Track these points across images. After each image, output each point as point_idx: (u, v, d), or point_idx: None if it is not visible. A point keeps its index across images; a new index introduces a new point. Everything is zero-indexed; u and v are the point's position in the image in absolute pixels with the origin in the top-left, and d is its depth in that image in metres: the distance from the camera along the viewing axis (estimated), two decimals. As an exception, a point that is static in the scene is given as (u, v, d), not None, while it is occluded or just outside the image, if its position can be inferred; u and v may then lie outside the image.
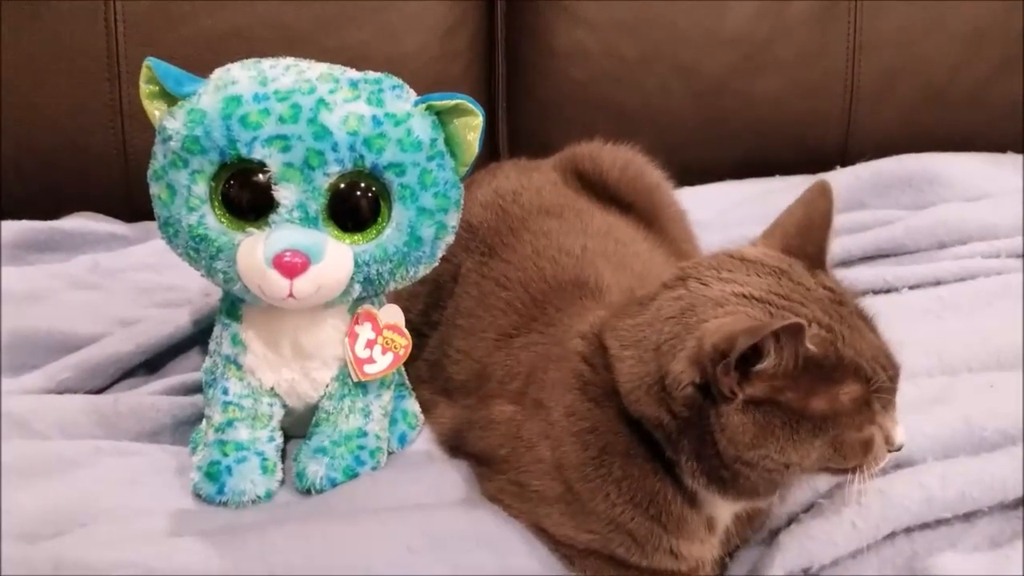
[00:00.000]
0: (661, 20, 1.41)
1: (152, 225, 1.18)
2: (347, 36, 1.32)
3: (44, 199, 1.26)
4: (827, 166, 1.38)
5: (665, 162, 1.08)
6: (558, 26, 1.40)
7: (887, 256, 1.18)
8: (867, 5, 1.43)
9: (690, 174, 1.24)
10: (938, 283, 1.11)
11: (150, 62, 0.76)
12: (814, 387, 0.66)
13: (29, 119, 1.26)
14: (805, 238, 0.75)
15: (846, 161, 1.39)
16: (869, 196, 1.29)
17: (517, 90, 1.45)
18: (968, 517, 0.77)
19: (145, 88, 0.77)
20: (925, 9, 1.44)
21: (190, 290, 1.06)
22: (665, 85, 1.41)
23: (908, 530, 0.76)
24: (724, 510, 0.75)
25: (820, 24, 1.43)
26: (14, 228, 1.16)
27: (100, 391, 0.94)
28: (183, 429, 0.89)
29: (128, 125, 1.27)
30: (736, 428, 0.66)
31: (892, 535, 0.76)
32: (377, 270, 0.77)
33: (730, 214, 1.26)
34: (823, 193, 0.77)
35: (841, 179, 1.31)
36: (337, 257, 0.74)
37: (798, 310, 0.68)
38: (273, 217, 0.74)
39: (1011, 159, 1.40)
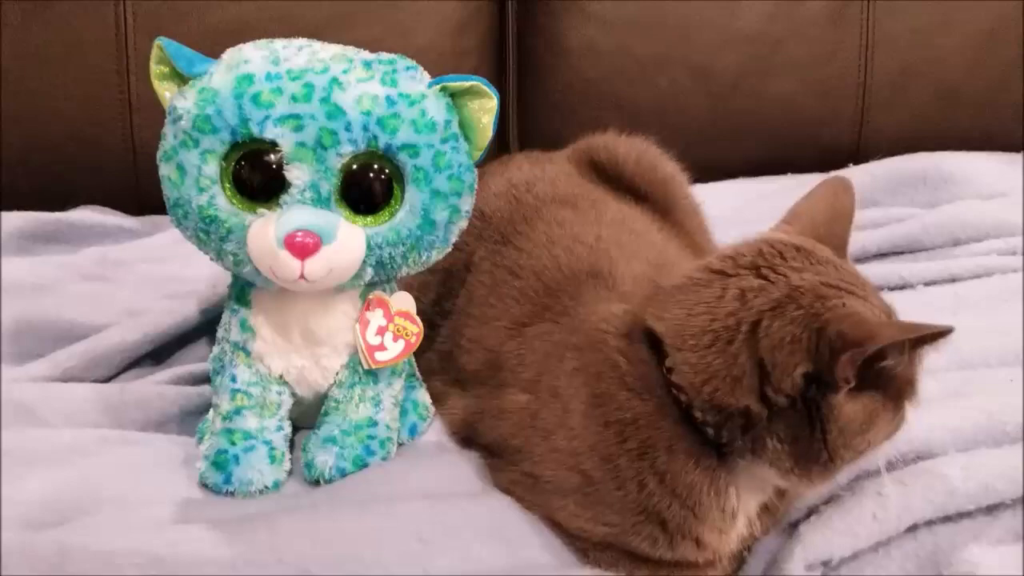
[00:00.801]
0: (673, 19, 1.40)
1: (160, 219, 1.19)
2: (358, 33, 1.32)
3: (52, 192, 1.25)
4: (840, 165, 1.37)
5: (677, 160, 1.07)
6: (569, 24, 1.40)
7: (902, 253, 1.17)
8: (880, 5, 1.42)
9: (703, 173, 1.22)
10: (954, 280, 1.10)
11: (161, 42, 0.75)
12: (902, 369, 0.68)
13: (38, 112, 1.26)
14: (830, 230, 0.76)
15: (859, 161, 1.38)
16: (883, 194, 1.28)
17: (528, 88, 1.44)
18: (991, 510, 0.76)
19: (155, 69, 0.76)
20: (938, 9, 1.44)
21: (198, 281, 1.05)
22: (677, 84, 1.41)
23: (930, 523, 0.75)
24: (752, 501, 0.74)
25: (833, 24, 1.42)
26: (22, 219, 1.16)
27: (106, 381, 0.93)
28: (190, 419, 0.88)
29: (137, 119, 1.27)
30: (848, 416, 0.66)
31: (914, 528, 0.74)
32: (390, 253, 0.75)
33: (744, 211, 1.24)
34: (847, 189, 0.80)
35: (855, 177, 1.27)
36: (349, 239, 0.73)
37: (871, 299, 0.69)
38: (284, 198, 0.72)
39: (1025, 158, 1.39)
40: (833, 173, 1.34)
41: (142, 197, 1.26)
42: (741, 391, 0.67)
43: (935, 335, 0.65)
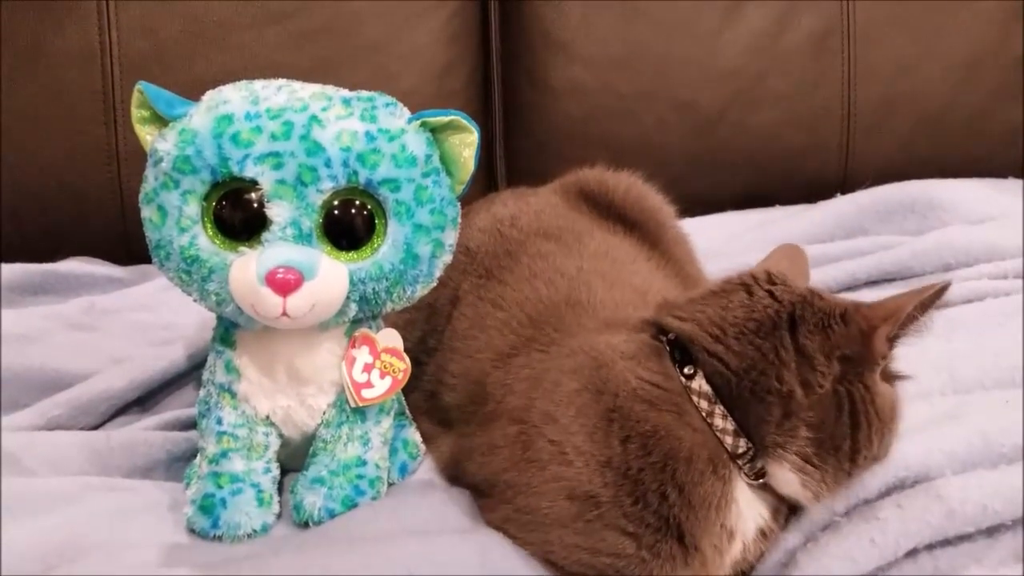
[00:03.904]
0: (656, 55, 1.42)
1: (148, 268, 1.19)
2: (344, 78, 1.31)
3: (41, 242, 1.26)
4: (827, 196, 1.38)
5: (664, 195, 1.08)
6: (553, 64, 1.41)
7: (893, 280, 1.17)
8: (860, 36, 1.44)
9: (690, 207, 1.23)
10: (945, 305, 1.08)
11: (141, 86, 0.75)
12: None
13: (26, 163, 1.26)
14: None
15: (845, 191, 1.38)
16: (871, 222, 1.28)
17: (514, 128, 1.45)
18: (991, 532, 0.74)
19: (136, 113, 0.76)
20: (919, 38, 1.45)
21: (186, 328, 1.05)
22: (662, 119, 1.42)
23: (930, 547, 0.73)
24: (751, 521, 0.73)
25: (814, 56, 1.44)
26: (9, 271, 1.15)
27: (93, 429, 0.92)
28: (177, 465, 0.87)
29: (124, 169, 1.28)
30: (883, 396, 0.72)
31: (913, 552, 0.73)
32: (373, 288, 0.75)
33: (732, 243, 1.25)
34: (797, 250, 0.89)
35: (841, 206, 1.31)
36: (331, 274, 0.73)
37: None
38: (266, 235, 0.72)
39: (1012, 184, 1.39)
40: (820, 203, 1.36)
41: (130, 247, 1.26)
42: (790, 374, 0.70)
43: (938, 292, 0.71)
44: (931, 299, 0.71)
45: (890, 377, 0.75)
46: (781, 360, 0.71)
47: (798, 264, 0.86)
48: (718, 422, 0.72)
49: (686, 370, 0.73)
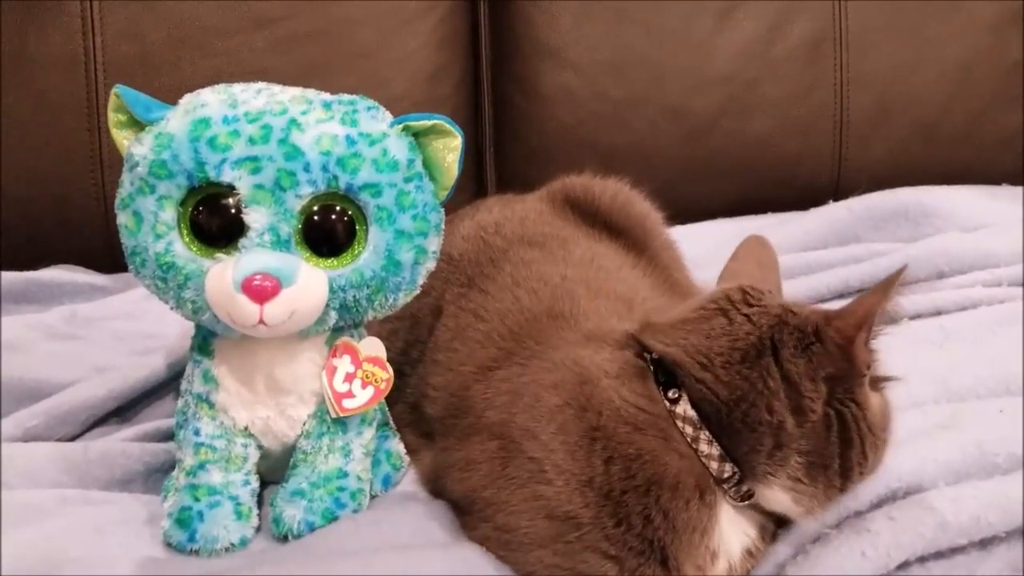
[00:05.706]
0: (647, 61, 1.41)
1: (132, 276, 1.17)
2: (333, 83, 1.30)
3: (23, 250, 1.24)
4: (820, 203, 1.37)
5: (656, 202, 1.06)
6: (544, 70, 1.40)
7: (886, 287, 1.16)
8: (853, 43, 1.44)
9: (682, 214, 1.22)
10: (939, 313, 1.08)
11: (118, 89, 0.74)
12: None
13: (9, 170, 1.25)
14: (764, 279, 0.80)
15: (839, 198, 1.37)
16: (864, 229, 1.27)
17: (505, 134, 1.44)
18: (985, 544, 0.73)
19: (113, 117, 0.75)
20: (912, 45, 1.45)
21: (169, 337, 1.03)
22: (654, 125, 1.41)
23: (922, 559, 0.72)
24: (735, 542, 0.72)
25: (807, 62, 1.43)
26: (-8, 278, 1.14)
27: (72, 439, 0.90)
28: (156, 477, 0.85)
29: (108, 176, 1.27)
30: (874, 406, 0.70)
31: (906, 564, 0.71)
32: (354, 296, 0.74)
33: (724, 250, 1.22)
34: (765, 244, 0.88)
35: (835, 213, 1.30)
36: (311, 281, 0.71)
37: None
38: (243, 242, 0.71)
39: (1008, 191, 1.39)
40: (813, 210, 1.35)
41: (114, 254, 1.23)
42: (780, 404, 0.69)
43: (896, 277, 0.69)
44: (892, 285, 0.69)
45: (875, 382, 0.74)
46: (770, 390, 0.69)
47: (765, 261, 0.84)
48: (703, 447, 0.70)
49: (670, 394, 0.71)
